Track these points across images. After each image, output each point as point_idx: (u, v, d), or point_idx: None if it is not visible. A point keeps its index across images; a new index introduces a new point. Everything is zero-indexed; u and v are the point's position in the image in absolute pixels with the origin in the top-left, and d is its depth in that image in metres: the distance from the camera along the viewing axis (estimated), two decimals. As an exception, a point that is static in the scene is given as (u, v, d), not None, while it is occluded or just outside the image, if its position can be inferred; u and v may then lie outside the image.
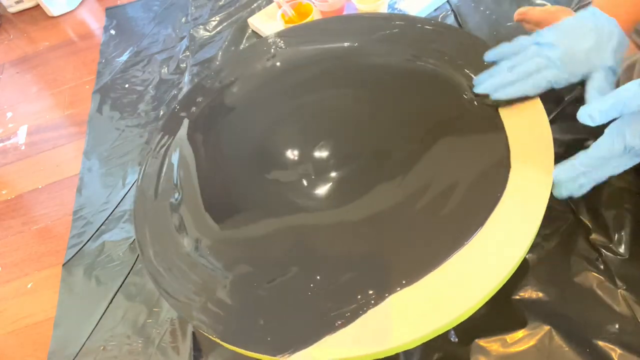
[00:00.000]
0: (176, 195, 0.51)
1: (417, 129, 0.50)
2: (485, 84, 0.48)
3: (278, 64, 0.62)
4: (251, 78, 0.61)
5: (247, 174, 0.52)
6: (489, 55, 0.49)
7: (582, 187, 0.39)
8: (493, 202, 0.42)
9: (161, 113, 0.84)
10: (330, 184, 0.49)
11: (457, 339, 0.47)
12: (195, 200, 0.50)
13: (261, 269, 0.44)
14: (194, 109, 0.60)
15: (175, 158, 0.55)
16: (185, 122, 0.58)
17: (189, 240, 0.47)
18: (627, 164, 0.35)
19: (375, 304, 0.39)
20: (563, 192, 0.40)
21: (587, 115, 0.33)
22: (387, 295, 0.39)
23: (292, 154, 0.52)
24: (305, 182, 0.50)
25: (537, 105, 0.47)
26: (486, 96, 0.48)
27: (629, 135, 0.33)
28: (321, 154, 0.51)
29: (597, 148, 0.35)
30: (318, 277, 0.41)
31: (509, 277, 0.39)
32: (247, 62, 0.63)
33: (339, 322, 0.38)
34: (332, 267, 0.42)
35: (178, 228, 0.49)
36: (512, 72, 0.46)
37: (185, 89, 0.85)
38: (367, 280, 0.40)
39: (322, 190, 0.48)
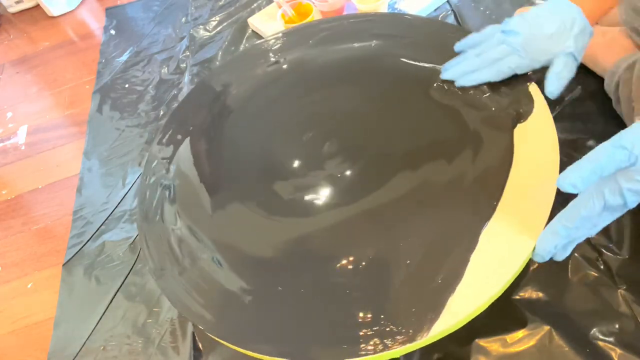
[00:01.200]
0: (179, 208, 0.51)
1: (423, 127, 0.51)
2: (451, 70, 0.50)
3: (279, 67, 0.62)
4: (250, 84, 0.61)
5: (256, 178, 0.52)
6: (458, 45, 0.52)
7: (565, 250, 0.38)
8: (493, 205, 0.42)
9: (161, 113, 0.84)
10: (342, 181, 0.49)
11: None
12: (205, 211, 0.50)
13: (325, 269, 0.44)
14: (194, 123, 0.60)
15: (178, 173, 0.55)
16: (187, 139, 0.58)
17: (205, 252, 0.48)
18: (605, 220, 0.35)
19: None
20: (546, 257, 0.39)
21: (569, 185, 0.33)
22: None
23: (300, 155, 0.52)
24: (318, 181, 0.50)
25: (544, 107, 0.47)
26: (451, 82, 0.50)
27: (607, 194, 0.33)
28: (329, 153, 0.51)
29: (576, 208, 0.35)
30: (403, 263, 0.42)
31: (513, 280, 0.39)
32: (244, 67, 0.63)
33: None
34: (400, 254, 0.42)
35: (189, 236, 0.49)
36: (477, 59, 0.48)
37: (185, 89, 0.85)
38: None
39: (337, 187, 0.48)
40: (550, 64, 0.45)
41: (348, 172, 0.49)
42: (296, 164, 0.51)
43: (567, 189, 0.34)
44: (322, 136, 0.53)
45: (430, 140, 0.49)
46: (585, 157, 0.33)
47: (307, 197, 0.48)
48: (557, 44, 0.44)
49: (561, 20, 0.44)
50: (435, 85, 0.52)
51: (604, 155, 0.32)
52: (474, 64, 0.49)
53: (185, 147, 0.56)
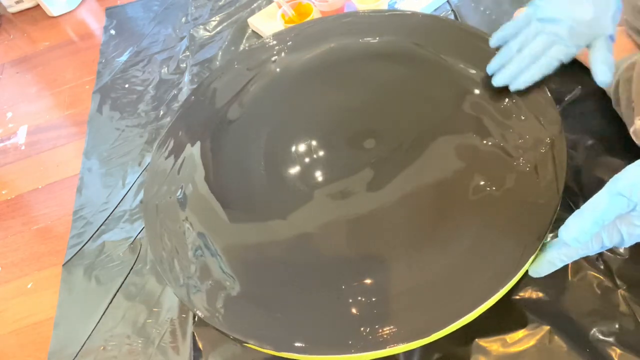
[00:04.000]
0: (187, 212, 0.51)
1: (431, 122, 0.51)
2: (501, 74, 0.48)
3: (282, 67, 0.62)
4: (254, 86, 0.61)
5: (266, 178, 0.52)
6: (494, 40, 0.50)
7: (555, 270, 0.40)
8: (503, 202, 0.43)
9: (161, 113, 0.84)
10: (354, 175, 0.49)
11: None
12: (216, 213, 0.50)
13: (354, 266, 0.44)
14: (200, 126, 0.59)
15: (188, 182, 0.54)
16: (195, 145, 0.57)
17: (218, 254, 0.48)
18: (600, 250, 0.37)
19: None
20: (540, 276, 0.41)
21: (573, 239, 0.34)
22: None
23: (310, 151, 0.53)
24: (329, 176, 0.50)
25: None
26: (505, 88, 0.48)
27: (606, 239, 0.34)
28: (341, 150, 0.52)
29: (574, 249, 0.36)
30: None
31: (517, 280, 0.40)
32: (247, 68, 0.63)
33: None
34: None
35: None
36: (522, 55, 0.46)
37: (185, 89, 0.85)
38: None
39: (349, 182, 0.49)
40: (591, 48, 0.43)
41: (367, 170, 0.49)
42: (307, 160, 0.52)
43: (573, 243, 0.34)
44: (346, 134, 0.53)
45: (442, 129, 0.50)
46: (585, 208, 0.34)
47: (319, 193, 0.49)
48: (596, 27, 0.42)
49: (596, 1, 0.42)
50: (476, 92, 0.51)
51: (603, 205, 0.33)
52: (520, 63, 0.46)
53: (194, 154, 0.56)
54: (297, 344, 0.39)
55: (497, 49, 0.50)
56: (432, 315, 0.39)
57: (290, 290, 0.43)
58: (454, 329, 0.39)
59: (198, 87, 0.63)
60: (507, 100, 0.49)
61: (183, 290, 0.45)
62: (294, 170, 0.51)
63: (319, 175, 0.50)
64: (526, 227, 0.41)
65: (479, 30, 0.56)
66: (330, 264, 0.44)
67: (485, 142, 0.47)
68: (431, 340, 0.39)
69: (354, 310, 0.40)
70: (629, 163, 0.54)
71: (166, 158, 0.57)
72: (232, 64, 0.64)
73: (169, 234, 0.50)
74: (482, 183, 0.44)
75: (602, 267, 0.49)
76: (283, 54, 0.63)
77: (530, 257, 0.39)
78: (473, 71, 0.52)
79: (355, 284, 0.42)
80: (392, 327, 0.38)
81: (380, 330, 0.38)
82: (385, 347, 0.38)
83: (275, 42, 0.65)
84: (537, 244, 0.39)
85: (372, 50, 0.59)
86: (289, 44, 0.64)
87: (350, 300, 0.41)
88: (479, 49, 0.53)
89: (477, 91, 0.51)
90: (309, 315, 0.41)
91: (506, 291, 0.40)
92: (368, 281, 0.42)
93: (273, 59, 0.62)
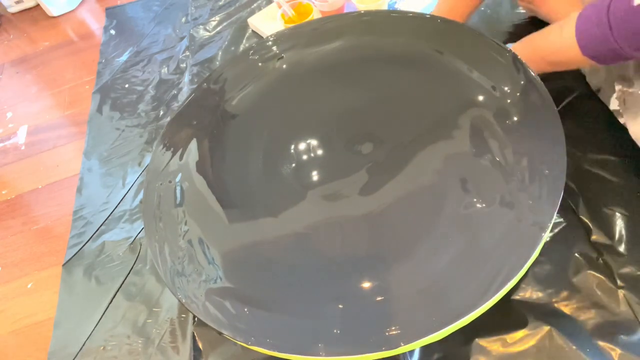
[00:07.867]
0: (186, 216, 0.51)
1: (431, 121, 0.51)
2: None
3: (284, 66, 0.62)
4: (252, 84, 0.61)
5: (266, 177, 0.52)
6: None
7: None
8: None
9: (161, 113, 0.84)
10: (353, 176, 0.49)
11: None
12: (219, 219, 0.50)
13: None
14: (198, 123, 0.59)
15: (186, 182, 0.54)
16: (194, 140, 0.57)
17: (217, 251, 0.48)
18: None
19: None
20: None
21: None
22: None
23: (307, 152, 0.53)
24: (328, 177, 0.50)
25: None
26: None
27: None
28: (340, 150, 0.52)
29: None
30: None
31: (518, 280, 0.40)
32: (246, 68, 0.63)
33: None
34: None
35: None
36: None
37: (185, 89, 0.85)
38: None
39: (348, 183, 0.49)
40: None
41: (364, 171, 0.49)
42: (306, 158, 0.52)
43: None
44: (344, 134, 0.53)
45: (440, 128, 0.50)
46: None
47: (319, 193, 0.49)
48: None
49: None
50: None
51: None
52: None
53: (195, 145, 0.56)
54: (269, 341, 0.39)
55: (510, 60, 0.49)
56: (433, 315, 0.39)
57: (274, 288, 0.43)
58: (454, 329, 0.39)
59: (210, 75, 0.63)
60: (512, 115, 0.48)
61: (168, 275, 0.45)
62: (291, 168, 0.51)
63: (314, 175, 0.50)
64: (514, 247, 0.40)
65: (495, 40, 0.55)
66: (318, 264, 0.44)
67: (483, 156, 0.46)
68: (431, 341, 0.39)
69: (340, 312, 0.40)
70: (629, 163, 0.54)
71: (169, 148, 0.57)
72: (246, 54, 0.64)
73: (164, 218, 0.50)
74: (474, 199, 0.44)
75: (602, 266, 0.49)
76: (292, 50, 0.62)
77: (513, 277, 0.39)
78: (483, 81, 0.52)
79: (345, 285, 0.42)
80: (394, 327, 0.38)
81: (381, 331, 0.38)
82: (384, 349, 0.38)
83: (288, 37, 0.64)
84: (520, 268, 0.39)
85: (384, 52, 0.58)
86: (301, 40, 0.63)
87: (338, 302, 0.41)
88: (493, 59, 0.53)
89: (483, 103, 0.50)
90: (289, 313, 0.41)
91: (506, 292, 0.40)
92: (359, 283, 0.42)
93: (282, 55, 0.62)
